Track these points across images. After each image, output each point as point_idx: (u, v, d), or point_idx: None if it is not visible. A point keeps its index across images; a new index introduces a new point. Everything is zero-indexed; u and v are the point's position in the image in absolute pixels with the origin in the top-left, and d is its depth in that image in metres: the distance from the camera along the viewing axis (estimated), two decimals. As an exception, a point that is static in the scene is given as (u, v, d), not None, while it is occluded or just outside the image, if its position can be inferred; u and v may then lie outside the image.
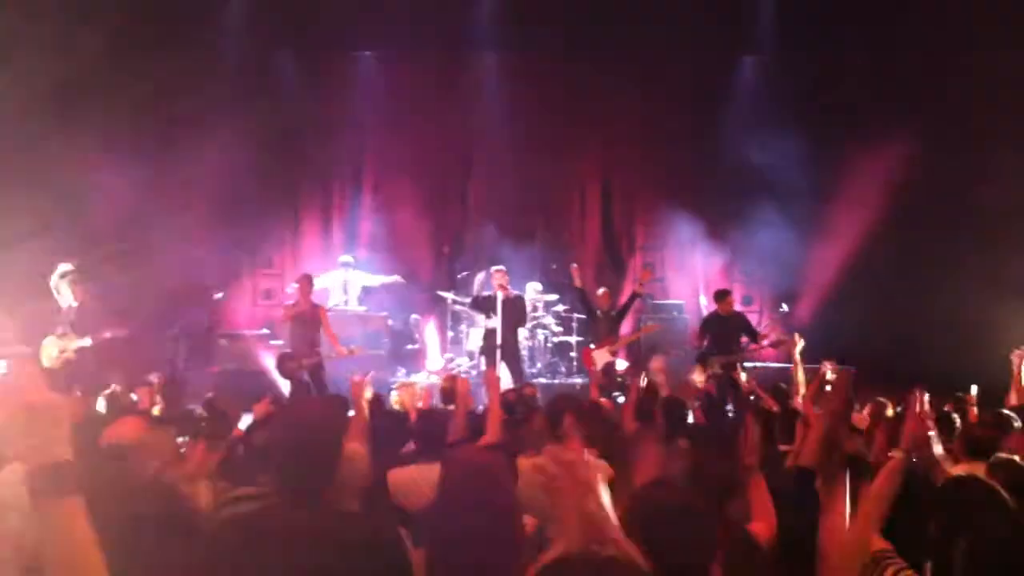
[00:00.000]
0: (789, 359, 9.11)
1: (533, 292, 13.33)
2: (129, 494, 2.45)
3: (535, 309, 13.06)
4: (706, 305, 13.19)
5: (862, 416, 6.71)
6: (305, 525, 2.51)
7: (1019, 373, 7.57)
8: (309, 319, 10.22)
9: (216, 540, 2.55)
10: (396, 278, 13.53)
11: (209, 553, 2.45)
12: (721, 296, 11.39)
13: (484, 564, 2.42)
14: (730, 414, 9.71)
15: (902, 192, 12.75)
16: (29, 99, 10.85)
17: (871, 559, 2.71)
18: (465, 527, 2.45)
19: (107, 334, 9.06)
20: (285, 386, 10.30)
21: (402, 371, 13.01)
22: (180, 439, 4.70)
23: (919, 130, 12.35)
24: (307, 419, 2.89)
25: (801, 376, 7.97)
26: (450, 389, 7.13)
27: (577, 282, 11.61)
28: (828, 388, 5.49)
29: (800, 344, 8.30)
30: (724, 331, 11.12)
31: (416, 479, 4.56)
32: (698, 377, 8.87)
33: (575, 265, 11.88)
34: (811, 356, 9.07)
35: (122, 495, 2.38)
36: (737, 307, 12.41)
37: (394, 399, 7.97)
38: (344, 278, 13.58)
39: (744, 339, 11.14)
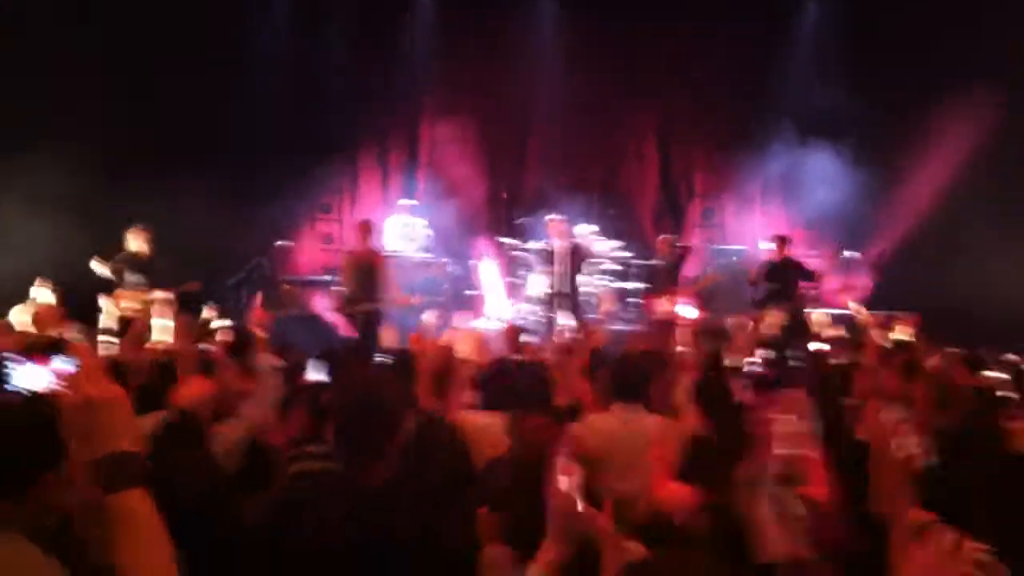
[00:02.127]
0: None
1: (589, 236, 13.23)
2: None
3: (592, 255, 12.92)
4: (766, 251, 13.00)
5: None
6: (360, 495, 2.53)
7: None
8: (367, 265, 10.20)
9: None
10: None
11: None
12: (775, 241, 11.27)
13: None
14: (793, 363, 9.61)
15: (982, 141, 12.38)
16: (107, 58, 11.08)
17: None
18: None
19: (182, 287, 9.19)
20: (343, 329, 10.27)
21: (463, 317, 13.04)
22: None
23: (1004, 76, 11.95)
24: (369, 387, 2.90)
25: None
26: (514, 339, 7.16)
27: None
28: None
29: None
30: (781, 277, 11.00)
31: (487, 426, 4.61)
32: (756, 325, 8.80)
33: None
34: (876, 305, 8.98)
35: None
36: (798, 252, 12.28)
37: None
38: (406, 223, 13.60)
39: (806, 284, 11.02)
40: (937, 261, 12.54)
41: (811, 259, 12.63)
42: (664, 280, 11.50)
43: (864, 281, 13.42)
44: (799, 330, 9.45)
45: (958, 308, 10.84)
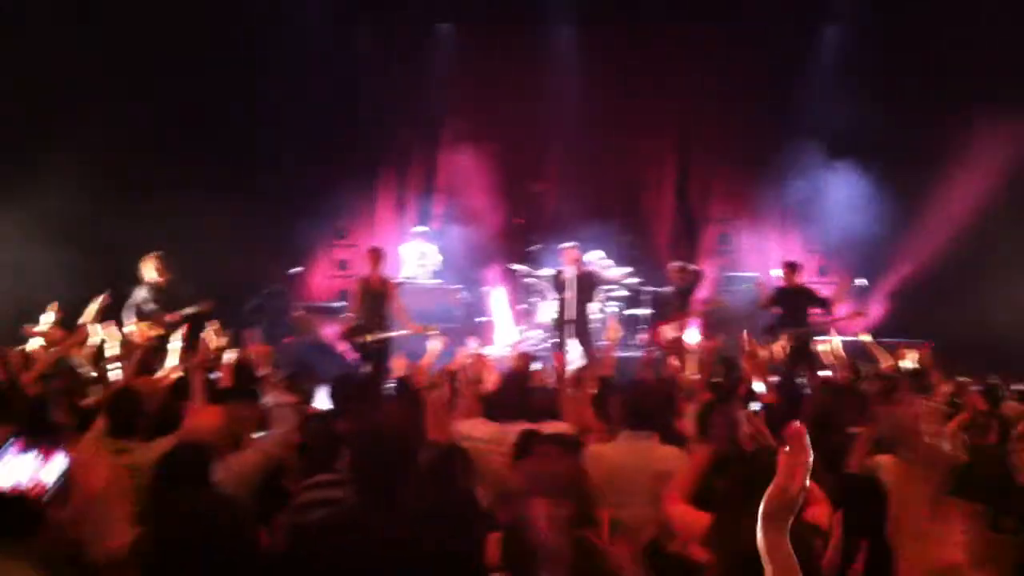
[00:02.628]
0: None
1: (600, 263, 13.25)
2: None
3: (603, 282, 12.89)
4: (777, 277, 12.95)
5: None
6: (378, 529, 2.57)
7: None
8: (377, 293, 10.23)
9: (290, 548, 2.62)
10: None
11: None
12: (785, 268, 11.30)
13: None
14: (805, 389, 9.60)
15: (1009, 166, 12.31)
16: (107, 71, 11.14)
17: None
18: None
19: (192, 310, 9.24)
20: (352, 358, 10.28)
21: (474, 344, 13.07)
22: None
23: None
24: (384, 420, 2.94)
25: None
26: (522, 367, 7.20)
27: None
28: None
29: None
30: (792, 304, 11.01)
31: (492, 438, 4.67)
32: (764, 352, 8.81)
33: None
34: (887, 334, 8.96)
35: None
36: (812, 279, 12.29)
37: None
38: (420, 250, 13.69)
39: (816, 310, 11.01)
40: (960, 288, 12.47)
41: (825, 286, 12.63)
42: (674, 306, 11.50)
43: (876, 309, 13.41)
44: (807, 357, 9.45)
45: (982, 336, 10.80)
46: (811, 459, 1.65)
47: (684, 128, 15.76)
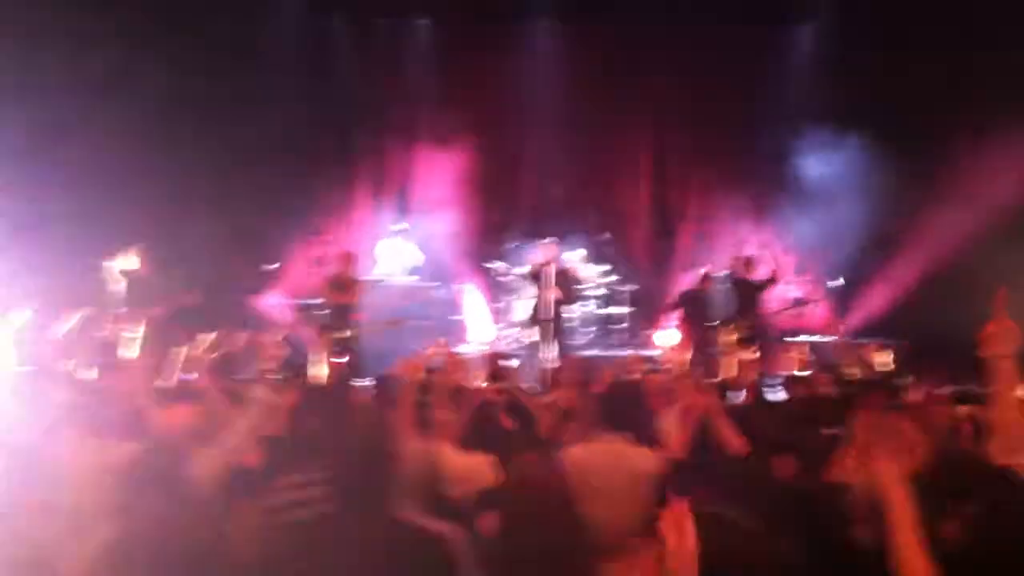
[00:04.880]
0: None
1: (577, 261, 13.25)
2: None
3: (581, 280, 12.88)
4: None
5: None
6: (359, 535, 2.54)
7: None
8: (347, 291, 10.24)
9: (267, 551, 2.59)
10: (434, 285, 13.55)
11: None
12: (740, 261, 11.65)
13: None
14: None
15: (971, 170, 12.31)
16: (71, 76, 10.99)
17: None
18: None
19: (177, 303, 9.19)
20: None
21: (446, 341, 13.04)
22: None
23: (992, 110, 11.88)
24: (364, 425, 2.92)
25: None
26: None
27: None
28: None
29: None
30: (744, 295, 11.20)
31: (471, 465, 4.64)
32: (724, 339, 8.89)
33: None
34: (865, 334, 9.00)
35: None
36: (789, 277, 12.38)
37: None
38: (397, 247, 13.64)
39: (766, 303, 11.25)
40: (939, 287, 12.49)
41: (800, 285, 12.71)
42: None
43: (846, 309, 13.50)
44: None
45: (959, 338, 10.78)
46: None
47: (660, 127, 15.74)
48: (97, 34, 11.13)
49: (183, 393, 5.14)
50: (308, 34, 14.10)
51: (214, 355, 6.70)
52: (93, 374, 5.96)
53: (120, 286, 9.41)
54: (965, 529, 2.68)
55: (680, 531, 2.15)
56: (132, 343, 7.71)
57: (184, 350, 6.04)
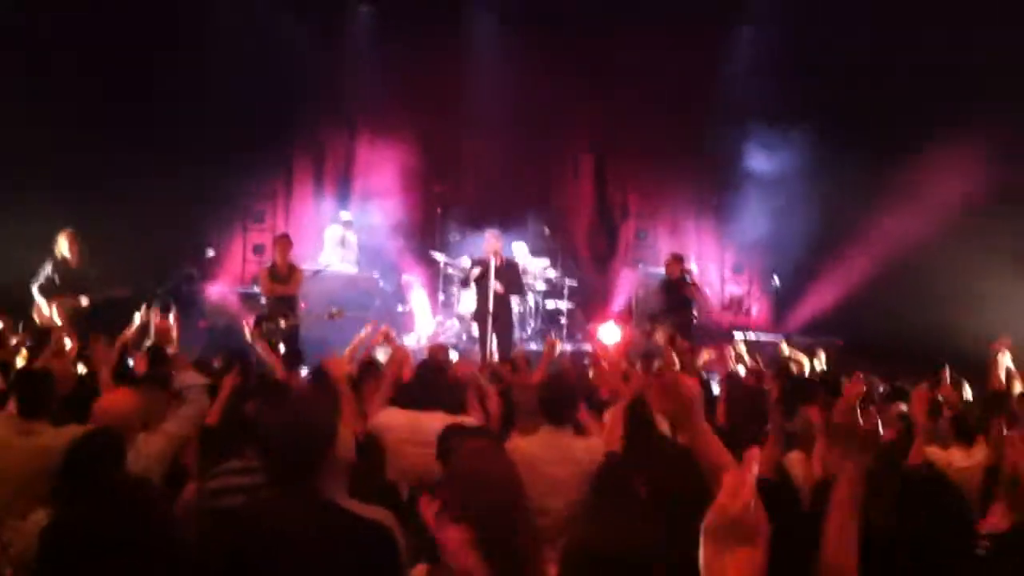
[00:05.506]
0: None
1: (520, 253, 13.25)
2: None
3: (524, 272, 12.89)
4: (695, 273, 13.09)
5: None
6: (297, 519, 2.53)
7: (996, 364, 7.62)
8: (285, 279, 10.15)
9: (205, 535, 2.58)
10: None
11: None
12: (671, 260, 11.76)
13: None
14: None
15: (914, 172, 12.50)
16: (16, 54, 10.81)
17: None
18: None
19: (108, 294, 9.05)
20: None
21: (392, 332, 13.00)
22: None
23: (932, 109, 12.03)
24: (302, 412, 2.90)
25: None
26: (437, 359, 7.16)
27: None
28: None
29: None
30: (671, 295, 11.38)
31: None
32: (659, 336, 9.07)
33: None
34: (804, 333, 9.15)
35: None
36: (727, 276, 12.55)
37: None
38: (342, 235, 13.54)
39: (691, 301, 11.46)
40: (878, 287, 12.69)
41: (741, 283, 12.90)
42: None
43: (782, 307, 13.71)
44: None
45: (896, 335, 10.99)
46: (754, 481, 1.65)
47: (603, 123, 15.74)
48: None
49: (120, 379, 5.05)
50: (250, 21, 13.87)
51: (148, 342, 6.65)
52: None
53: (52, 274, 9.22)
54: (888, 522, 2.75)
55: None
56: (66, 330, 7.60)
57: (119, 337, 5.96)
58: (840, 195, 13.14)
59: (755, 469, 1.61)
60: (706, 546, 1.61)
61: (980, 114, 11.23)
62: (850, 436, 2.55)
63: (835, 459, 2.59)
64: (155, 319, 7.63)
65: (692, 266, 12.57)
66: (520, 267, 12.02)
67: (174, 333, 7.29)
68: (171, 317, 7.52)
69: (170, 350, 6.01)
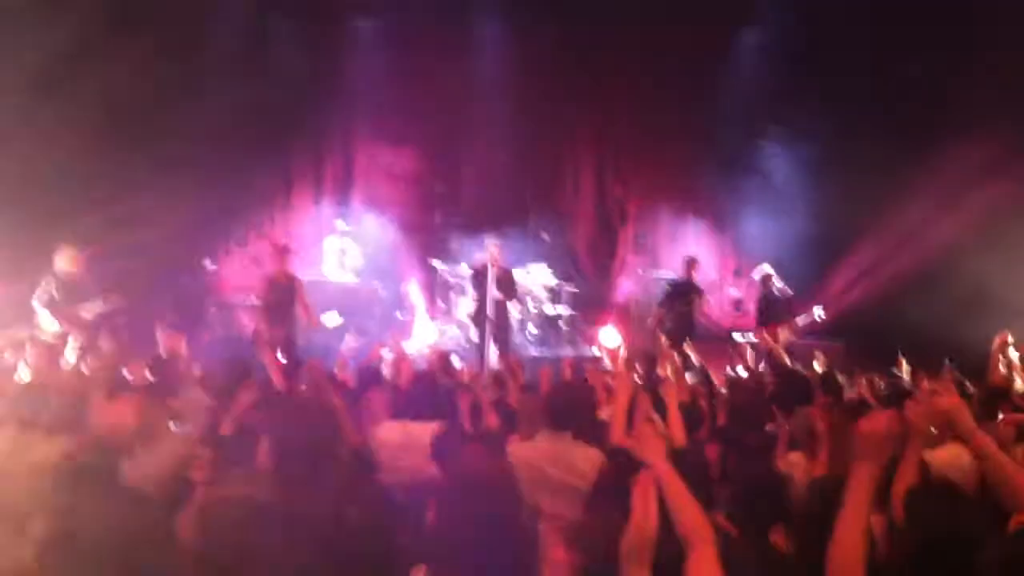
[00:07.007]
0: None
1: (539, 275, 13.36)
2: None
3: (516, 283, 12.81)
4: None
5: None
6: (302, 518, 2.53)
7: (996, 357, 7.58)
8: (285, 290, 10.13)
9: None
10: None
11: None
12: (686, 263, 11.74)
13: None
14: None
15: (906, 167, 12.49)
16: (19, 73, 10.78)
17: None
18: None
19: (106, 306, 9.03)
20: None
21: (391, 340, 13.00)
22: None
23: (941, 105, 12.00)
24: (307, 420, 2.90)
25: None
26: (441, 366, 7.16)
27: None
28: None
29: None
30: (680, 297, 11.46)
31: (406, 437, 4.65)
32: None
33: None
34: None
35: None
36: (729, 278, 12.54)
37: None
38: (341, 246, 13.56)
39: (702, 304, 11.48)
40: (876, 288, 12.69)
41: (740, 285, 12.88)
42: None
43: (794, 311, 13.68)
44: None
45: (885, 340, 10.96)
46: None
47: (605, 129, 15.80)
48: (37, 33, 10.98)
49: (122, 391, 5.04)
50: (252, 32, 13.89)
51: (151, 355, 6.64)
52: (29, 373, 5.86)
53: (55, 287, 9.21)
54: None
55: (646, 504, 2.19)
56: (67, 343, 7.61)
57: (119, 350, 5.97)
58: (845, 198, 13.05)
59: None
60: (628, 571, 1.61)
61: (983, 119, 11.24)
62: (870, 440, 2.55)
63: (850, 461, 2.58)
64: (163, 334, 7.60)
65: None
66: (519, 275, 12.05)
67: (183, 348, 7.28)
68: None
69: (180, 366, 5.99)
